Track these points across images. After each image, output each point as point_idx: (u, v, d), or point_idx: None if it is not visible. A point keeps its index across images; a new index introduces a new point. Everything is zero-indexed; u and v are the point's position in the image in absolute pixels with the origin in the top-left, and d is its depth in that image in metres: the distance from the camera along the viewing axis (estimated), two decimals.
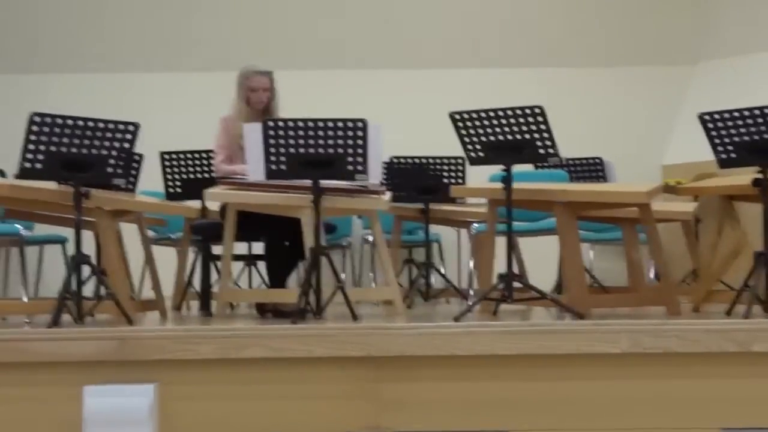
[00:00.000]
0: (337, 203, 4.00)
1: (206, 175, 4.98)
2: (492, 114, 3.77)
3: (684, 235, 5.39)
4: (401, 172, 5.17)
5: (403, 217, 5.48)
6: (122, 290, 3.81)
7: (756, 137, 3.58)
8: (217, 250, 4.35)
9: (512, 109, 3.73)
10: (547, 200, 3.96)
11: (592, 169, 5.79)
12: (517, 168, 3.89)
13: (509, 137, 3.77)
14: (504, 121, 3.75)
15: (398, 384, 3.18)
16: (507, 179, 3.75)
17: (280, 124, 3.73)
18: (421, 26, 7.12)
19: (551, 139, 3.74)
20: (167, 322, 4.05)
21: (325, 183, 3.79)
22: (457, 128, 3.87)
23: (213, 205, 4.73)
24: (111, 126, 3.59)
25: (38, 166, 3.51)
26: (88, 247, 3.70)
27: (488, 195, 4.19)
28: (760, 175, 3.61)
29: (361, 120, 3.73)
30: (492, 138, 3.80)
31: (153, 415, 3.10)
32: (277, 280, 4.17)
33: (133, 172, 4.78)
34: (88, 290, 3.77)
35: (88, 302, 3.64)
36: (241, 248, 4.87)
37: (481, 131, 3.82)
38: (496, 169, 4.36)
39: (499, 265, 3.90)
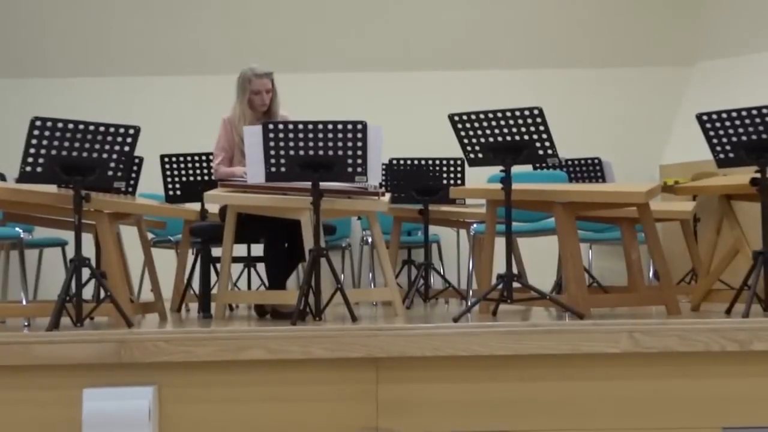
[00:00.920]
0: (337, 205, 4.00)
1: (205, 178, 4.99)
2: (491, 115, 3.78)
3: (683, 235, 5.39)
4: (400, 174, 5.18)
5: (402, 218, 5.49)
6: (122, 293, 3.81)
7: (754, 137, 3.59)
8: (216, 252, 4.35)
9: (511, 110, 3.73)
10: (546, 200, 3.96)
11: (590, 170, 5.79)
12: (516, 169, 3.89)
13: (508, 138, 3.77)
14: (503, 123, 3.76)
15: (398, 385, 3.18)
16: (506, 180, 3.75)
17: (280, 126, 3.73)
18: (421, 28, 7.13)
19: (550, 139, 3.75)
20: (167, 324, 4.05)
21: (324, 185, 3.79)
22: (457, 129, 3.87)
23: (212, 208, 4.74)
24: (111, 130, 3.59)
25: (39, 169, 3.51)
26: (88, 250, 3.70)
27: (487, 196, 4.19)
28: (758, 175, 3.62)
29: (361, 122, 3.74)
30: (491, 139, 3.80)
31: (152, 417, 3.11)
32: (276, 281, 4.18)
33: (133, 175, 4.79)
34: (87, 293, 3.76)
35: (88, 305, 3.64)
36: (240, 250, 4.87)
37: (480, 132, 3.82)
38: (495, 170, 4.37)
39: (499, 266, 3.90)
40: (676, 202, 5.68)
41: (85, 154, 3.55)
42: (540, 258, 5.60)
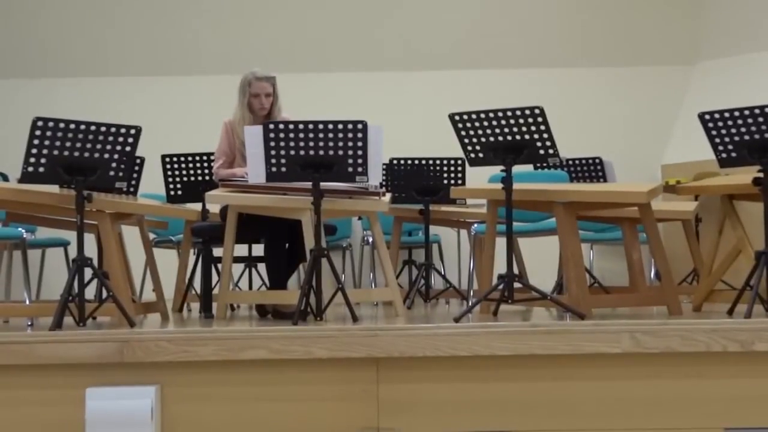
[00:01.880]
0: (337, 205, 4.01)
1: (207, 178, 5.00)
2: (492, 115, 3.78)
3: (685, 235, 5.39)
4: (401, 173, 5.18)
5: (403, 218, 5.49)
6: (124, 292, 3.82)
7: (756, 136, 3.58)
8: (217, 252, 4.35)
9: (512, 109, 3.73)
10: (547, 200, 3.96)
11: (591, 169, 5.79)
12: (517, 168, 3.89)
13: (509, 138, 3.77)
14: (504, 122, 3.76)
15: (398, 385, 3.18)
16: (507, 180, 3.75)
17: (281, 126, 3.73)
18: (422, 28, 7.13)
19: (551, 139, 3.75)
20: (168, 324, 4.06)
21: (325, 185, 3.79)
22: (457, 129, 3.87)
23: (213, 208, 4.74)
24: (113, 130, 3.60)
25: (40, 170, 3.52)
26: (90, 250, 3.71)
27: (488, 196, 4.19)
28: (760, 174, 3.61)
29: (362, 122, 3.74)
30: (492, 139, 3.80)
31: (155, 416, 3.11)
32: (277, 281, 4.18)
33: (135, 175, 4.79)
34: (90, 293, 3.77)
35: (90, 305, 3.65)
36: (241, 250, 4.88)
37: (480, 132, 3.82)
38: (496, 170, 4.37)
39: (500, 266, 3.90)
40: (678, 202, 5.67)
41: (86, 154, 3.56)
42: (541, 258, 5.60)
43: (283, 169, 3.74)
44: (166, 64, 7.11)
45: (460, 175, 5.18)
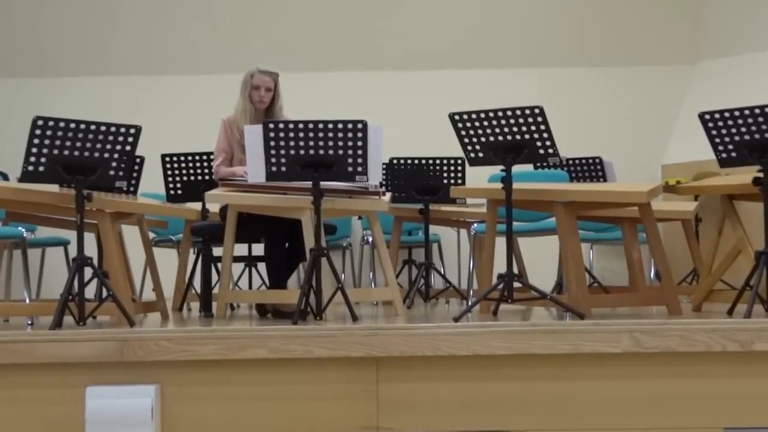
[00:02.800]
0: (337, 204, 4.01)
1: (206, 177, 5.00)
2: (492, 114, 3.78)
3: (684, 235, 5.39)
4: (401, 173, 5.18)
5: (402, 217, 5.49)
6: (124, 292, 3.82)
7: (756, 136, 3.58)
8: (217, 251, 4.36)
9: (512, 109, 3.73)
10: (547, 200, 3.96)
11: (591, 169, 5.79)
12: (517, 168, 3.89)
13: (509, 137, 3.77)
14: (504, 122, 3.76)
15: (398, 384, 3.18)
16: (507, 179, 3.75)
17: (281, 125, 3.73)
18: (421, 28, 7.13)
19: (551, 139, 3.75)
20: (168, 323, 4.06)
21: (325, 184, 3.79)
22: (457, 129, 3.87)
23: (213, 207, 4.74)
24: (113, 129, 3.60)
25: (41, 169, 3.52)
26: (90, 249, 3.70)
27: (488, 195, 4.19)
28: (760, 174, 3.61)
29: (361, 121, 3.74)
30: (492, 138, 3.80)
31: (155, 415, 3.12)
32: (277, 281, 4.18)
33: (135, 174, 4.79)
34: (90, 292, 3.77)
35: (90, 304, 3.65)
36: (241, 249, 4.88)
37: (480, 132, 3.82)
38: (496, 170, 4.37)
39: (499, 265, 3.90)
40: (678, 202, 5.67)
41: (86, 154, 3.56)
42: (541, 258, 5.60)
43: (283, 168, 3.74)
44: (166, 63, 7.11)
45: (459, 174, 5.18)
